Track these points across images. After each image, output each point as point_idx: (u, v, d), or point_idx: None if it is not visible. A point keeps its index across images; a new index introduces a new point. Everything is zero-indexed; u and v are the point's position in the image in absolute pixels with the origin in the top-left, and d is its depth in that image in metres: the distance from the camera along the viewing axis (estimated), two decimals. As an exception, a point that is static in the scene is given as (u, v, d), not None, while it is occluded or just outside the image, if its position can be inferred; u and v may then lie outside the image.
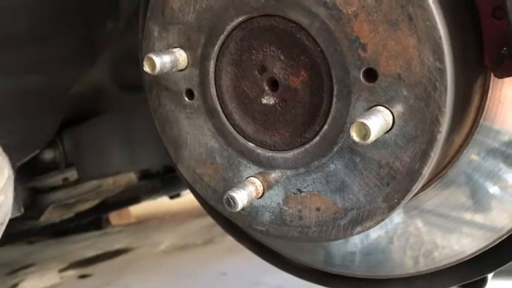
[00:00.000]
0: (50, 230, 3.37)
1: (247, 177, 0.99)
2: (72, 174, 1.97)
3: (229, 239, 1.37)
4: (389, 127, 0.83)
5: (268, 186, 0.98)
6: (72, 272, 3.21)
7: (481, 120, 0.96)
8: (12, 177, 1.27)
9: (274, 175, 0.98)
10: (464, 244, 1.04)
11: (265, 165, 0.98)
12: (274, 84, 0.94)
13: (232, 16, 0.93)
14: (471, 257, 1.05)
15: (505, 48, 0.84)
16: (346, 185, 0.91)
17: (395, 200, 0.87)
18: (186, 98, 1.04)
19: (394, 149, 0.84)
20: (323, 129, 0.90)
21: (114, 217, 4.07)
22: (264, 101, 0.96)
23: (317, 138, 0.91)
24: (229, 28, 0.94)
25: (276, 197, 0.99)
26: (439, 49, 0.78)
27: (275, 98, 0.95)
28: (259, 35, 0.93)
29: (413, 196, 1.00)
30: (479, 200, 1.01)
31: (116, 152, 1.86)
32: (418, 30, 0.79)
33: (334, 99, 0.87)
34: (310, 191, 0.95)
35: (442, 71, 0.78)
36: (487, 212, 1.01)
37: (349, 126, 0.79)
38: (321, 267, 1.23)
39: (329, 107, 0.88)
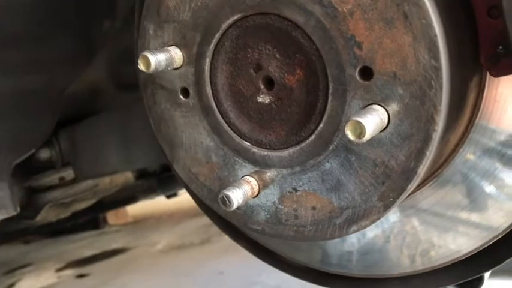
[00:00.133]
0: (46, 229, 3.36)
1: (243, 176, 0.98)
2: (68, 174, 1.97)
3: (226, 239, 1.36)
4: (385, 126, 0.82)
5: (263, 185, 0.98)
6: (69, 272, 3.21)
7: (477, 119, 0.96)
8: None
9: (269, 174, 0.97)
10: (460, 243, 1.04)
11: (260, 164, 0.98)
12: (269, 83, 0.94)
13: (227, 14, 0.93)
14: (467, 256, 1.05)
15: (500, 47, 0.84)
16: (341, 183, 0.90)
17: (391, 199, 0.87)
18: (182, 97, 1.03)
19: (389, 148, 0.84)
20: (318, 128, 0.90)
21: (111, 217, 4.06)
22: (260, 99, 0.96)
23: (312, 136, 0.91)
24: (224, 26, 0.94)
25: (271, 196, 0.98)
26: (435, 47, 0.78)
27: (270, 97, 0.94)
28: (255, 33, 0.92)
29: (409, 195, 1.00)
30: (475, 199, 1.00)
31: (113, 151, 1.86)
32: (414, 28, 0.78)
33: (330, 98, 0.87)
34: (305, 189, 0.95)
35: (437, 69, 0.78)
36: (483, 211, 1.00)
37: (344, 125, 0.78)
38: (318, 267, 1.23)
39: (324, 106, 0.88)
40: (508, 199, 0.98)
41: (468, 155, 0.98)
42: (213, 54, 0.97)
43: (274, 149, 0.96)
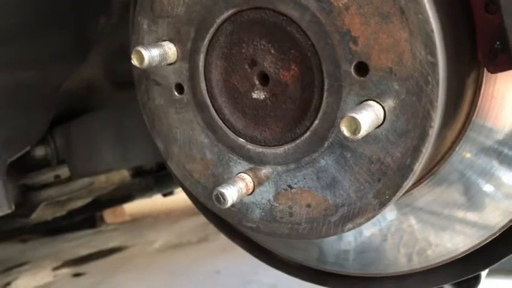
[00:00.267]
0: (42, 228, 3.35)
1: (238, 173, 0.98)
2: (63, 172, 1.95)
3: (224, 238, 1.36)
4: (381, 122, 0.81)
5: (258, 183, 0.97)
6: (66, 271, 3.20)
7: (474, 117, 0.95)
8: None
9: (264, 171, 0.96)
10: (457, 242, 1.04)
11: (255, 161, 0.97)
12: (264, 79, 0.93)
13: (222, 9, 0.92)
14: (464, 254, 1.04)
15: (498, 43, 0.83)
16: (336, 181, 0.89)
17: (387, 197, 0.86)
18: (176, 93, 1.02)
19: (385, 144, 0.83)
20: (314, 125, 0.89)
21: (109, 215, 4.06)
22: (255, 95, 0.94)
23: (308, 133, 0.90)
24: (219, 21, 0.93)
25: (266, 193, 0.97)
26: (431, 42, 0.77)
27: (265, 93, 0.93)
28: (249, 28, 0.91)
29: (406, 193, 0.99)
30: (471, 198, 1.00)
31: (108, 148, 1.84)
32: (410, 24, 0.77)
33: (325, 94, 0.86)
34: (300, 187, 0.94)
35: (434, 65, 0.77)
36: (479, 209, 1.00)
37: (340, 121, 0.77)
38: (314, 265, 1.22)
39: (320, 102, 0.87)
40: (504, 198, 0.98)
41: (465, 152, 0.97)
42: (208, 49, 0.96)
43: (269, 146, 0.95)
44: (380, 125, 0.82)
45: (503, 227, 0.99)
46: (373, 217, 0.88)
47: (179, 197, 3.07)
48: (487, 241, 1.01)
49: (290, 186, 0.95)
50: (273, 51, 0.90)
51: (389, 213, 1.07)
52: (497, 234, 1.00)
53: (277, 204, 0.97)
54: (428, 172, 1.00)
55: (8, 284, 3.05)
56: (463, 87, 0.90)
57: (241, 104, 0.96)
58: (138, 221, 4.21)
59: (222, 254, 2.93)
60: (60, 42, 1.59)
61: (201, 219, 1.36)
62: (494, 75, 0.90)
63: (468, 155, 0.97)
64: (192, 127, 1.03)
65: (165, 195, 3.11)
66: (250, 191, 0.96)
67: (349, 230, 0.91)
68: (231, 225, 1.29)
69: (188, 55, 0.98)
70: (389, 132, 0.82)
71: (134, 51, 0.93)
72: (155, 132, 1.08)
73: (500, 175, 0.96)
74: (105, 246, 3.57)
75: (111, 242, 3.64)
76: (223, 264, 2.81)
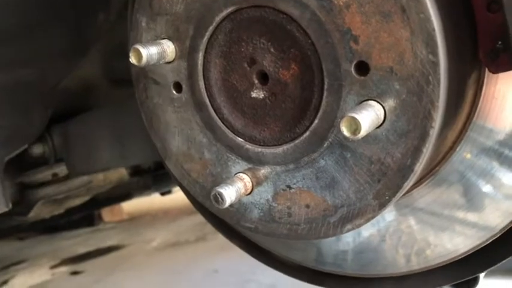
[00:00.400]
0: (40, 226, 3.35)
1: (236, 173, 0.97)
2: (61, 170, 1.95)
3: (222, 237, 1.35)
4: (381, 122, 0.81)
5: (257, 183, 0.96)
6: (63, 269, 3.19)
7: (475, 117, 0.94)
8: None
9: (263, 171, 0.96)
10: (456, 243, 1.03)
11: (254, 161, 0.96)
12: (263, 78, 0.92)
13: (221, 7, 0.91)
14: (464, 255, 1.03)
15: (499, 42, 0.82)
16: (336, 181, 0.88)
17: (386, 197, 0.85)
18: (174, 91, 1.01)
19: (385, 145, 0.82)
20: (313, 124, 0.88)
21: (107, 214, 4.05)
22: (254, 94, 0.93)
23: (307, 133, 0.89)
24: (218, 19, 0.92)
25: (265, 193, 0.96)
26: (433, 42, 0.76)
27: (265, 92, 0.92)
28: (249, 27, 0.90)
29: (406, 193, 0.98)
30: (472, 199, 0.99)
31: (106, 147, 1.84)
32: (411, 22, 0.76)
33: (325, 93, 0.85)
34: (299, 187, 0.93)
35: (435, 65, 0.76)
36: (479, 210, 0.99)
37: (340, 121, 0.76)
38: (312, 266, 1.22)
39: (319, 101, 0.86)
40: (504, 199, 0.97)
41: (465, 153, 0.96)
42: (206, 47, 0.95)
43: (268, 146, 0.94)
44: (380, 125, 0.81)
45: (503, 228, 0.98)
46: (372, 218, 0.87)
47: (177, 196, 3.07)
48: (487, 242, 1.00)
49: (289, 187, 0.94)
50: (272, 49, 0.89)
51: (388, 214, 1.07)
52: (498, 236, 0.99)
53: (276, 205, 0.96)
54: (429, 173, 0.99)
55: (6, 282, 3.04)
56: (464, 87, 0.89)
57: (240, 103, 0.95)
58: (136, 220, 4.21)
59: (220, 253, 2.93)
60: (59, 40, 1.58)
61: (199, 218, 1.36)
62: (495, 75, 0.89)
63: (468, 156, 0.97)
64: (190, 126, 1.02)
65: (163, 194, 3.10)
66: (249, 191, 0.96)
67: (349, 231, 0.90)
68: (229, 225, 1.28)
69: (187, 53, 0.97)
70: (390, 132, 0.81)
71: (132, 49, 0.92)
72: (153, 130, 1.07)
73: (501, 176, 0.96)
74: (103, 244, 3.56)
75: (109, 241, 3.63)
76: (221, 263, 2.81)
